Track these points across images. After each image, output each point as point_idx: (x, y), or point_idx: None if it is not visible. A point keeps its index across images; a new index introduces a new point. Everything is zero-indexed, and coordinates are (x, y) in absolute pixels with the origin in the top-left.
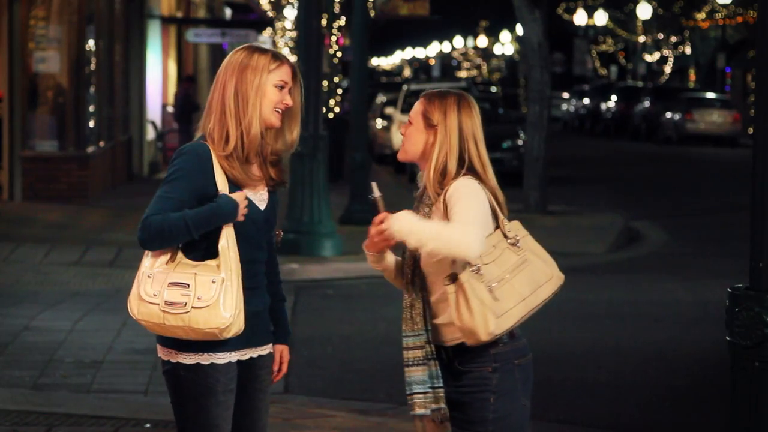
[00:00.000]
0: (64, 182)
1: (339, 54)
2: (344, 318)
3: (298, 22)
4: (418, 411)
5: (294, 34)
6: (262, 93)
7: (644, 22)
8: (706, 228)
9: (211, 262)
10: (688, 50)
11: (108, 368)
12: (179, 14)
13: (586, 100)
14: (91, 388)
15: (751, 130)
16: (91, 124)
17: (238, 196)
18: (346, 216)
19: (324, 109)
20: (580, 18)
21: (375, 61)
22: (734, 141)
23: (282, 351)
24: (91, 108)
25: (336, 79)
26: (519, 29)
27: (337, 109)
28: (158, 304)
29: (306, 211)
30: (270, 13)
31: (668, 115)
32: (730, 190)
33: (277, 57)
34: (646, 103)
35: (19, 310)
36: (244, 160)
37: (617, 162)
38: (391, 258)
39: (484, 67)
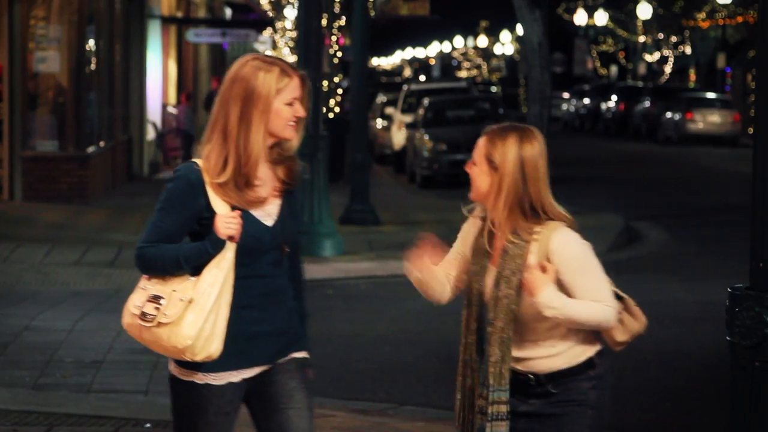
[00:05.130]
0: (64, 182)
1: (339, 54)
2: (344, 318)
3: (298, 22)
4: None
5: (294, 34)
6: (272, 115)
7: (644, 22)
8: (706, 228)
9: (194, 279)
10: (688, 50)
11: (108, 368)
12: (179, 14)
13: (587, 100)
14: (92, 388)
15: (751, 130)
16: (91, 124)
17: (233, 217)
18: (346, 216)
19: (324, 109)
20: (580, 18)
21: (375, 61)
22: (734, 141)
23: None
24: (91, 108)
25: (336, 79)
26: (519, 29)
27: (337, 109)
28: (138, 316)
29: (306, 211)
30: (270, 13)
31: (668, 115)
32: (730, 190)
33: (286, 72)
34: (647, 103)
35: (19, 310)
36: (244, 185)
37: (617, 162)
38: (437, 270)
39: (484, 67)
